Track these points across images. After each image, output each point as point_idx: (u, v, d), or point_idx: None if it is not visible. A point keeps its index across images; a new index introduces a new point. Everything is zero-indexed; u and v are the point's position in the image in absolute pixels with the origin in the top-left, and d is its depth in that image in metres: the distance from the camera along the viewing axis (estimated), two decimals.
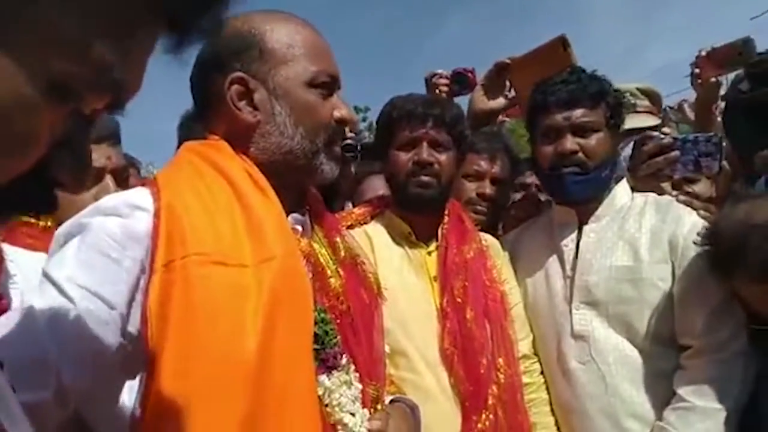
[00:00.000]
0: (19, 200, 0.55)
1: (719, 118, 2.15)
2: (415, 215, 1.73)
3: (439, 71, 2.24)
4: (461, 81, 2.20)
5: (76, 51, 0.46)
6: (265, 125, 1.06)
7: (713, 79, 2.12)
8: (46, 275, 0.89)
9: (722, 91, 2.23)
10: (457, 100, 2.20)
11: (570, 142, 1.65)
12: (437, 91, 2.20)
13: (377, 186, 2.39)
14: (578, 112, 1.66)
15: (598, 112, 1.68)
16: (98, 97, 0.51)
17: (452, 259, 1.67)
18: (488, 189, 2.03)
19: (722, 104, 2.23)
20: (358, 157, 2.52)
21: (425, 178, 1.67)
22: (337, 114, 1.10)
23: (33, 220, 1.41)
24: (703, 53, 2.10)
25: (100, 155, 1.52)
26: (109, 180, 1.54)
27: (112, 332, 0.87)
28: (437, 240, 1.72)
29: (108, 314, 0.86)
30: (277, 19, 1.10)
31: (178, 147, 1.12)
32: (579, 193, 1.70)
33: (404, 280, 1.66)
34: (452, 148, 1.71)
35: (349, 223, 1.75)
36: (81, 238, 0.90)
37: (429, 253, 1.72)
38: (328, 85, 1.09)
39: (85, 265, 0.88)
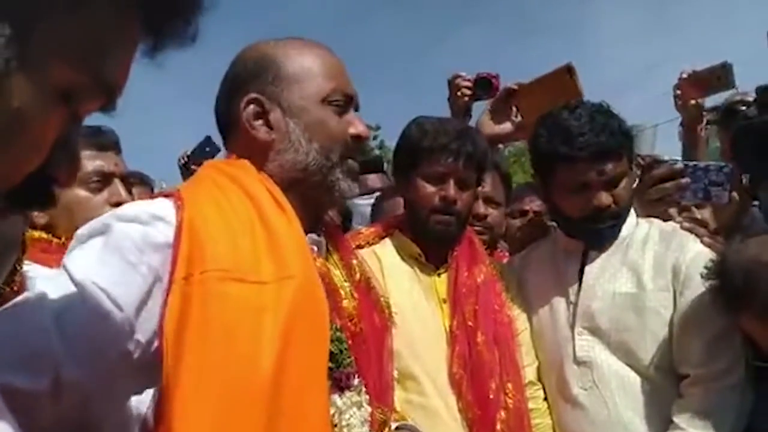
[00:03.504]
0: (24, 197, 0.59)
1: (706, 140, 2.17)
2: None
3: (462, 74, 2.23)
4: (484, 86, 2.18)
5: (80, 62, 0.53)
6: (279, 143, 1.09)
7: (693, 102, 2.13)
8: (65, 267, 0.88)
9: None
10: None
11: (606, 198, 1.62)
12: (459, 93, 2.20)
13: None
14: (610, 166, 1.60)
15: (624, 159, 1.64)
16: (95, 100, 0.57)
17: (463, 282, 1.67)
18: (482, 209, 2.02)
19: (708, 127, 2.24)
20: None
21: (447, 217, 1.68)
22: (352, 131, 1.13)
23: (46, 236, 1.45)
24: (684, 76, 2.10)
25: (108, 162, 1.59)
26: (118, 183, 1.59)
27: (119, 335, 0.86)
28: (447, 262, 1.73)
29: (117, 317, 0.86)
30: (294, 44, 1.15)
31: None
32: (611, 239, 1.71)
33: (414, 302, 1.66)
34: (474, 185, 1.73)
35: (357, 243, 1.75)
36: (104, 238, 0.91)
37: (439, 275, 1.73)
38: (343, 103, 1.13)
39: (103, 264, 0.88)
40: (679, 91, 2.14)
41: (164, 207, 0.96)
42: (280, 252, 0.94)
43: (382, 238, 1.80)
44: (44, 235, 1.46)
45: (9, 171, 0.54)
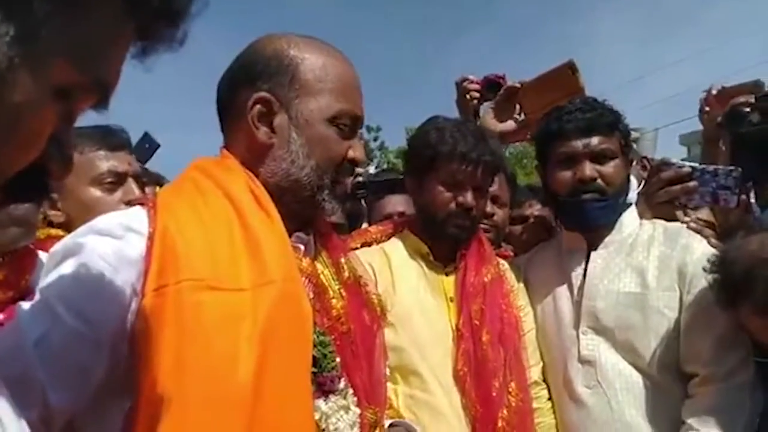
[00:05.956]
0: (19, 189, 0.61)
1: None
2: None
3: (470, 76, 2.24)
4: (493, 88, 2.19)
5: (81, 62, 0.56)
6: (278, 149, 1.06)
7: (719, 119, 2.09)
8: (40, 292, 0.89)
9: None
10: None
11: (589, 169, 1.67)
12: (468, 96, 2.21)
13: (395, 202, 2.46)
14: (596, 140, 1.68)
15: (614, 139, 1.70)
16: (90, 98, 0.61)
17: (471, 281, 1.69)
18: (488, 207, 2.02)
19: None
20: (367, 194, 2.55)
21: (464, 222, 1.69)
22: (351, 154, 1.11)
23: (62, 233, 1.48)
24: (713, 91, 2.08)
25: (122, 161, 1.61)
26: (131, 183, 1.62)
27: (99, 354, 0.87)
28: (455, 261, 1.74)
29: (96, 336, 0.86)
30: (316, 49, 1.10)
31: None
32: (598, 219, 1.72)
33: (421, 299, 1.68)
34: (488, 189, 1.75)
35: (364, 241, 1.77)
36: (76, 258, 0.89)
37: (447, 274, 1.74)
38: (348, 126, 1.10)
39: (77, 285, 0.87)
40: (707, 107, 2.12)
41: (137, 217, 0.94)
42: (260, 257, 0.93)
43: (391, 236, 1.81)
44: (60, 232, 1.50)
45: (6, 164, 0.57)
